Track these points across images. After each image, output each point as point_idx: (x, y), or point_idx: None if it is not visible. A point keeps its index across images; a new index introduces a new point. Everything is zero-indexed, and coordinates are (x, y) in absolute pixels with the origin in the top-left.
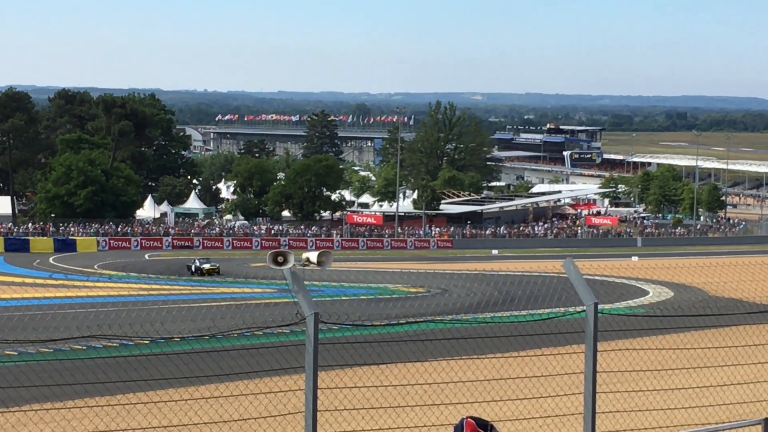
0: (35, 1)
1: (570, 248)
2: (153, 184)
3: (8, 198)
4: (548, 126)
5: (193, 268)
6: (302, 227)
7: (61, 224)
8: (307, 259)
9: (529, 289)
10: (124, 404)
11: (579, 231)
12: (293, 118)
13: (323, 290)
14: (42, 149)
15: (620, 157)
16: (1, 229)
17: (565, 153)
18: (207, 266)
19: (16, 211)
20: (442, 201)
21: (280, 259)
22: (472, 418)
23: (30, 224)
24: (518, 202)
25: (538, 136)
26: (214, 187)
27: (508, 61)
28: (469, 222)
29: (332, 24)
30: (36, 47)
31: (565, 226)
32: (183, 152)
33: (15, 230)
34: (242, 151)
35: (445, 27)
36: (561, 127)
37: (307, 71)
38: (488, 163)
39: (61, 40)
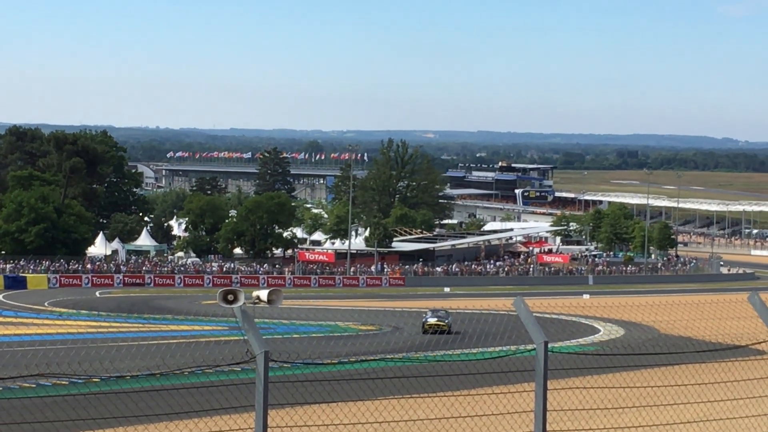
0: None
1: (522, 286)
2: (104, 221)
3: None
4: (500, 164)
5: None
6: (254, 264)
7: (11, 261)
8: (258, 297)
9: (479, 327)
10: None
11: (531, 269)
12: (245, 156)
13: (274, 328)
14: None
15: (572, 195)
16: None
17: (517, 191)
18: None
19: None
20: (394, 239)
21: (230, 297)
22: None
23: None
24: (470, 240)
25: (490, 174)
26: (165, 224)
27: (461, 99)
28: (421, 259)
29: (285, 61)
30: None
31: (517, 263)
32: (135, 189)
33: None
34: (194, 188)
35: (398, 65)
36: (513, 165)
37: (260, 108)
38: (440, 200)
39: (12, 77)
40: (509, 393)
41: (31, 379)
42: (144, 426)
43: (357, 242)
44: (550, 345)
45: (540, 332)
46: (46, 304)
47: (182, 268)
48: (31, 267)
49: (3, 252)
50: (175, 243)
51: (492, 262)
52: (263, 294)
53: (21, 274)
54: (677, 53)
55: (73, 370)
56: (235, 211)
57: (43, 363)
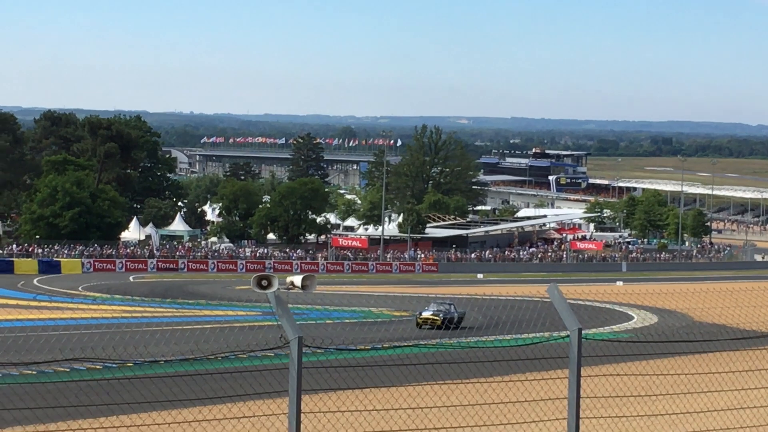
0: (21, 23)
1: (555, 273)
2: (138, 206)
3: None
4: (534, 150)
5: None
6: (287, 250)
7: (45, 246)
8: (292, 283)
9: (513, 313)
10: (107, 427)
11: (564, 256)
12: (279, 141)
13: (307, 313)
14: (27, 170)
15: (606, 181)
16: None
17: (550, 177)
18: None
19: (1, 233)
20: (428, 225)
21: (264, 282)
22: None
23: (14, 246)
24: (503, 227)
25: (524, 161)
26: (199, 210)
27: (495, 85)
28: (454, 246)
29: (319, 47)
30: (22, 69)
31: (550, 250)
32: (168, 174)
33: None
34: (228, 173)
35: (432, 51)
36: (547, 151)
37: (294, 94)
38: (474, 187)
39: (48, 62)
40: (543, 380)
41: (66, 363)
42: (178, 411)
43: (390, 228)
44: (583, 332)
45: (574, 319)
46: (80, 288)
47: (216, 254)
48: (65, 252)
49: (37, 237)
50: (208, 228)
51: (525, 248)
52: (297, 279)
53: (55, 259)
54: (713, 40)
55: (107, 355)
56: (269, 197)
57: (78, 347)
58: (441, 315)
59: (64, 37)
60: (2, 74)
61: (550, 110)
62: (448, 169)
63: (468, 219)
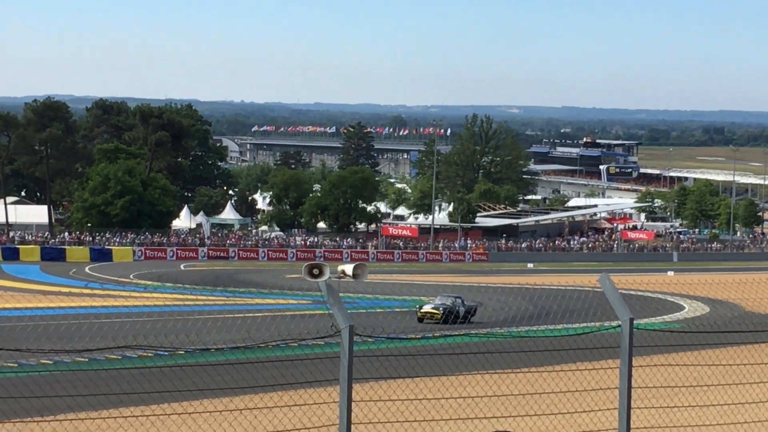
0: (74, 12)
1: (605, 263)
2: (189, 195)
3: (45, 207)
4: (585, 140)
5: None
6: (337, 239)
7: (97, 234)
8: (343, 272)
9: (564, 303)
10: (158, 414)
11: (615, 245)
12: (330, 130)
13: (358, 302)
14: (79, 159)
15: (657, 171)
16: (38, 239)
17: (601, 167)
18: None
19: (53, 221)
20: (478, 214)
21: (315, 271)
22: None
23: (66, 234)
24: (554, 216)
25: (575, 150)
26: (249, 198)
27: (546, 74)
28: (504, 235)
29: (370, 36)
30: (74, 57)
31: (601, 240)
32: (219, 163)
33: (51, 240)
34: (278, 162)
35: (484, 40)
36: (598, 140)
37: (344, 83)
38: (524, 176)
39: (99, 51)
40: (593, 370)
41: (118, 351)
42: (229, 398)
43: (440, 217)
44: (635, 322)
45: (625, 309)
46: (131, 276)
47: (266, 242)
48: (117, 240)
49: (89, 225)
50: (259, 217)
51: (576, 238)
52: (348, 268)
53: (107, 247)
54: (765, 28)
55: (159, 343)
56: (319, 186)
57: (129, 335)
58: (442, 309)
59: (116, 25)
60: (54, 63)
61: (601, 99)
62: (498, 159)
63: (518, 208)
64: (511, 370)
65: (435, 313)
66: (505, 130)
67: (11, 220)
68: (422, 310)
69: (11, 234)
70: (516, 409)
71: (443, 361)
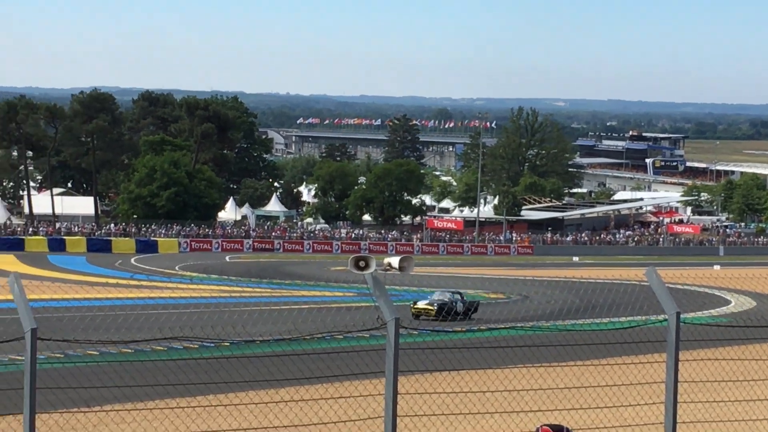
0: (121, 5)
1: (651, 256)
2: (234, 187)
3: (91, 199)
4: (631, 133)
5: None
6: (382, 231)
7: (143, 225)
8: (389, 264)
9: (610, 296)
10: (204, 406)
11: (661, 239)
12: (375, 122)
13: (403, 295)
14: (125, 150)
15: (703, 165)
16: (84, 230)
17: (647, 160)
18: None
19: (99, 212)
20: (523, 207)
21: (361, 263)
22: (547, 425)
23: (112, 225)
24: (599, 209)
25: (621, 143)
26: (295, 191)
27: (591, 67)
28: (549, 228)
29: (416, 29)
30: (120, 49)
31: (647, 233)
32: (265, 155)
33: (97, 231)
34: (324, 154)
35: (529, 33)
36: (644, 134)
37: (390, 76)
38: (570, 169)
39: (146, 43)
40: (639, 363)
41: (164, 342)
42: (275, 390)
43: (486, 210)
44: (681, 316)
45: (672, 303)
46: (176, 268)
47: (311, 234)
48: (162, 231)
49: (135, 216)
50: (304, 209)
51: (621, 231)
52: (395, 261)
53: (152, 238)
54: None
55: (205, 334)
56: (364, 178)
57: (176, 326)
58: (436, 305)
59: (162, 18)
60: (101, 55)
61: (648, 93)
62: (544, 152)
63: (564, 201)
64: (557, 363)
65: (429, 309)
66: (551, 123)
67: (58, 211)
68: (416, 306)
69: (58, 225)
70: (562, 403)
71: (488, 354)
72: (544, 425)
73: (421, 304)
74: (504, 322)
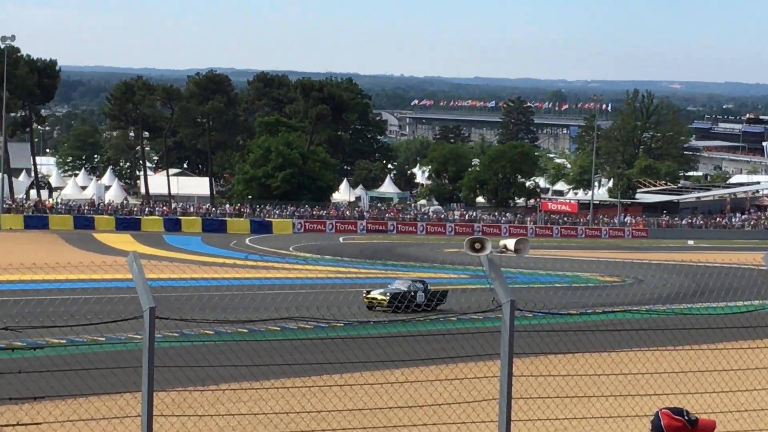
0: None
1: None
2: (348, 168)
3: (207, 179)
4: (748, 116)
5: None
6: (496, 214)
7: (257, 206)
8: (505, 246)
9: (725, 281)
10: (319, 386)
11: None
12: (489, 105)
13: (517, 277)
14: (240, 131)
15: None
16: (200, 210)
17: (764, 143)
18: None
19: (214, 193)
20: (638, 190)
21: (477, 245)
22: (666, 408)
23: (227, 205)
24: (715, 193)
25: (737, 126)
26: (408, 172)
27: (708, 49)
28: (664, 211)
29: (529, 12)
30: (236, 31)
31: (764, 217)
32: (379, 137)
33: (213, 211)
34: (437, 136)
35: (644, 15)
36: (761, 117)
37: (504, 58)
38: (685, 152)
39: (261, 24)
40: (757, 348)
41: (279, 322)
42: (390, 371)
43: (600, 193)
44: None
45: None
46: (290, 248)
47: (424, 216)
48: (277, 212)
49: (249, 197)
50: (417, 191)
51: (737, 215)
52: (510, 243)
53: (267, 219)
54: None
55: (321, 315)
56: (478, 160)
57: (292, 307)
58: (389, 294)
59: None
60: (217, 36)
61: (766, 75)
62: (659, 134)
63: (679, 185)
64: (673, 347)
65: (381, 300)
66: (667, 105)
67: (173, 191)
68: (368, 296)
69: (173, 205)
70: (678, 387)
71: (603, 337)
72: (664, 408)
73: (374, 294)
74: (618, 305)
